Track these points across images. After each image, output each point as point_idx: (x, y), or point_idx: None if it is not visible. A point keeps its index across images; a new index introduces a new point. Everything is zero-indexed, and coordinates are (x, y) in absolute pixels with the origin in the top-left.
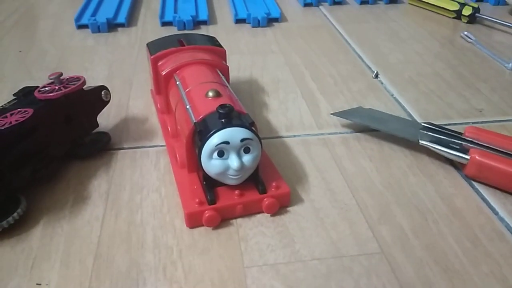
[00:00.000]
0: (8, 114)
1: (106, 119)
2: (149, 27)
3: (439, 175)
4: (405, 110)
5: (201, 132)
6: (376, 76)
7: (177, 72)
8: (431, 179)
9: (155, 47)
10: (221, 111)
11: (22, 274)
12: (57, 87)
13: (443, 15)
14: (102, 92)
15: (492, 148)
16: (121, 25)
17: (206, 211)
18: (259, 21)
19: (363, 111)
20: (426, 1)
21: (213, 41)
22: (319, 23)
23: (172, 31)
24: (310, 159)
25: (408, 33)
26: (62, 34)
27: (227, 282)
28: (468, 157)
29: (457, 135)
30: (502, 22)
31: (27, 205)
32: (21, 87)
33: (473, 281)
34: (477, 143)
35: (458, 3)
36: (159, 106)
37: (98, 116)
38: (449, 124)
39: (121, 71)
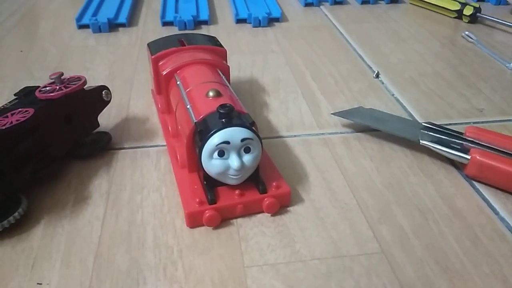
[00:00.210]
0: (9, 114)
1: (106, 119)
2: (150, 27)
3: (440, 175)
4: (406, 110)
5: (202, 132)
6: (377, 76)
7: (177, 72)
8: (432, 179)
9: (156, 47)
10: (221, 111)
11: (22, 273)
12: (58, 87)
13: (444, 15)
14: (103, 92)
15: (493, 148)
16: (122, 25)
17: (207, 211)
18: (260, 21)
19: (363, 111)
20: (427, 1)
21: (213, 41)
22: (320, 23)
23: (173, 31)
24: (310, 159)
25: (409, 33)
26: (63, 34)
27: (228, 282)
28: (468, 157)
29: (458, 135)
30: (503, 22)
31: (28, 204)
32: (22, 87)
33: (474, 281)
34: (477, 143)
35: (459, 2)
36: (159, 106)
37: (99, 116)
38: (450, 124)
39: (122, 71)
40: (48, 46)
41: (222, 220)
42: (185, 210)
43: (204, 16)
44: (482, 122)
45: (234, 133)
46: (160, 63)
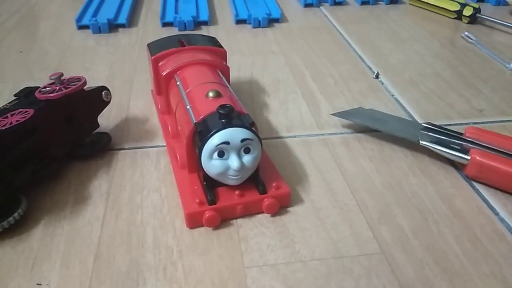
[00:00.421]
0: (9, 114)
1: (106, 119)
2: (150, 27)
3: (440, 175)
4: (406, 110)
5: (202, 132)
6: (377, 76)
7: (177, 72)
8: (432, 180)
9: (156, 48)
10: (221, 112)
11: (22, 274)
12: (57, 88)
13: (444, 15)
14: (103, 93)
15: (493, 148)
16: (122, 25)
17: (206, 211)
18: (259, 21)
19: (363, 112)
20: (427, 1)
21: (213, 41)
22: (320, 24)
23: (173, 31)
24: (310, 159)
25: (409, 33)
26: (63, 35)
27: (227, 283)
28: (468, 157)
29: (458, 136)
30: (502, 23)
31: (28, 205)
32: (22, 88)
33: (474, 281)
34: (477, 144)
35: (459, 3)
36: (159, 107)
37: (98, 117)
38: (449, 125)
39: (121, 72)
40: (48, 46)
41: (222, 220)
42: (185, 210)
43: (204, 16)
44: (482, 123)
45: (234, 134)
46: (160, 63)
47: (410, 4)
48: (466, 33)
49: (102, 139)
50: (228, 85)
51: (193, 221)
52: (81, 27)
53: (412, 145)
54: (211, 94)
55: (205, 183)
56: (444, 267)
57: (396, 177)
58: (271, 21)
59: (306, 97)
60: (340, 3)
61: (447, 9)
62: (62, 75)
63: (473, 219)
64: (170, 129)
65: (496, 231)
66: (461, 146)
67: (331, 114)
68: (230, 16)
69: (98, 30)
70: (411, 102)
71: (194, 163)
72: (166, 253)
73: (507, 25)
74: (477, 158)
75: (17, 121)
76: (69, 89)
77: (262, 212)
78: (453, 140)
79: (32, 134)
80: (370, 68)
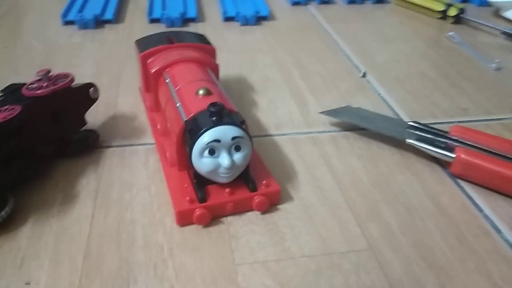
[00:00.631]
0: None
1: (94, 116)
2: (137, 23)
3: (426, 173)
4: (392, 109)
5: (192, 130)
6: (364, 75)
7: (166, 70)
8: (418, 177)
9: (144, 45)
10: (212, 109)
11: (10, 273)
12: (45, 84)
13: (429, 15)
14: (90, 90)
15: (477, 146)
16: (109, 21)
17: (197, 209)
18: (247, 19)
19: (351, 110)
20: (412, 1)
21: (202, 39)
22: (308, 22)
23: (160, 28)
24: (299, 157)
25: (395, 33)
26: (48, 30)
27: (218, 280)
28: (453, 155)
29: (443, 134)
30: (486, 24)
31: (15, 203)
32: (8, 84)
33: (459, 277)
34: (462, 142)
35: (444, 3)
36: (148, 104)
37: (86, 114)
38: (435, 123)
39: (109, 68)
40: (33, 42)
41: (212, 218)
42: (175, 208)
43: (191, 13)
44: (467, 121)
45: (225, 132)
46: (149, 60)
47: (395, 3)
48: (451, 33)
49: (90, 136)
50: (218, 83)
51: (184, 219)
52: (67, 23)
53: (398, 143)
54: (201, 92)
55: (195, 181)
56: (430, 263)
57: (384, 175)
58: (259, 19)
59: (294, 95)
60: (327, 2)
61: (432, 9)
62: (49, 71)
63: (458, 216)
64: (159, 127)
65: (480, 228)
66: (446, 145)
67: (320, 112)
68: (218, 13)
69: (84, 26)
70: (397, 100)
71: (184, 161)
72: (156, 251)
73: (490, 26)
74: (462, 156)
75: (3, 118)
76: (56, 86)
77: (252, 210)
78: (438, 138)
79: (18, 131)
80: (357, 67)
